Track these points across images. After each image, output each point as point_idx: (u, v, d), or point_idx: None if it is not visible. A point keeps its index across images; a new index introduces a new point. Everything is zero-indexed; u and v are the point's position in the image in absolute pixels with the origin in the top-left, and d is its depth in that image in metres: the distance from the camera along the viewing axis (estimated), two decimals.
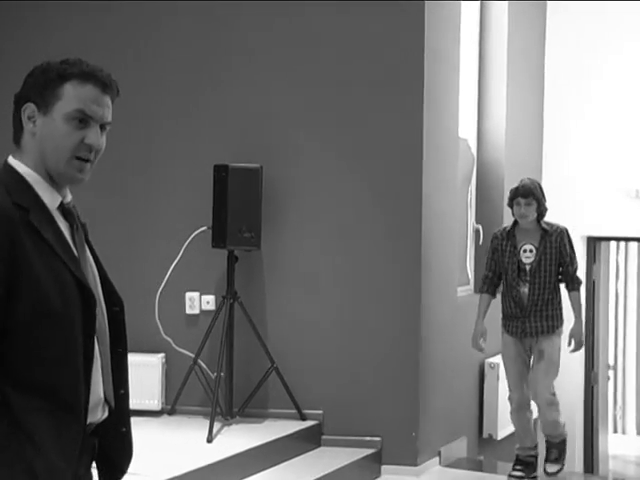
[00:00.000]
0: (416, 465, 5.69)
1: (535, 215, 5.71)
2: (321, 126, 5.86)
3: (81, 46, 6.14)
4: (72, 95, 2.24)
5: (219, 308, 5.66)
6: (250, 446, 5.19)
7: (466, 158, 6.95)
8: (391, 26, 5.77)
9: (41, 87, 2.25)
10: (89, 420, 2.28)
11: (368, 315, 5.80)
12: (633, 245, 10.49)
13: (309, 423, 5.73)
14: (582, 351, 7.85)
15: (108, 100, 2.30)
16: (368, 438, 5.72)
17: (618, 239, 8.26)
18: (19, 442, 2.14)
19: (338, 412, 5.79)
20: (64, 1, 6.12)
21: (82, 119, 2.24)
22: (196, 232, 5.68)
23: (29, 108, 2.26)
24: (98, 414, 2.31)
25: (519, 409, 5.70)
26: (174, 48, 6.04)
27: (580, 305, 5.84)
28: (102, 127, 2.28)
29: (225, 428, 5.50)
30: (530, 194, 5.66)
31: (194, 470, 4.64)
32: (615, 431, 10.24)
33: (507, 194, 7.20)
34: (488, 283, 5.82)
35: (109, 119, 2.30)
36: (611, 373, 9.71)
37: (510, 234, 5.76)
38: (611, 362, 9.88)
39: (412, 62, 5.74)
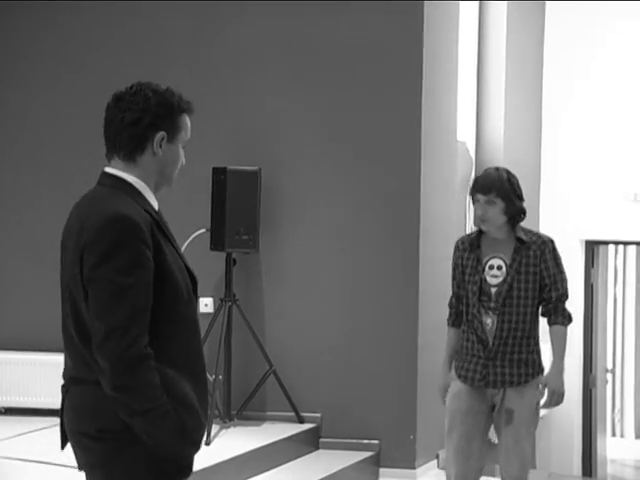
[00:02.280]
0: (414, 468, 5.68)
1: (502, 219, 4.18)
2: (319, 128, 5.86)
3: (79, 46, 6.14)
4: (187, 126, 2.69)
5: (217, 311, 5.66)
6: (248, 449, 5.19)
7: (464, 161, 6.94)
8: (389, 28, 5.77)
9: (170, 118, 2.65)
10: None
11: (366, 318, 5.79)
12: (631, 249, 10.49)
13: (307, 426, 5.73)
14: (580, 355, 7.89)
15: None
16: (366, 441, 5.72)
17: (617, 243, 8.25)
18: (175, 408, 2.54)
19: (336, 415, 5.78)
20: (60, 1, 6.12)
21: (185, 144, 2.72)
22: (194, 234, 5.68)
23: (161, 136, 2.64)
24: None
25: None
26: (172, 50, 6.03)
27: (564, 345, 4.27)
28: None
29: (223, 431, 5.50)
30: (492, 189, 4.16)
31: (192, 473, 4.63)
32: (613, 435, 10.24)
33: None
34: (454, 313, 4.38)
35: None
36: (609, 377, 9.70)
37: (474, 244, 4.27)
38: (609, 366, 9.87)
39: (410, 64, 5.74)
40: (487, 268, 4.23)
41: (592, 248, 8.02)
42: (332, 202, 5.84)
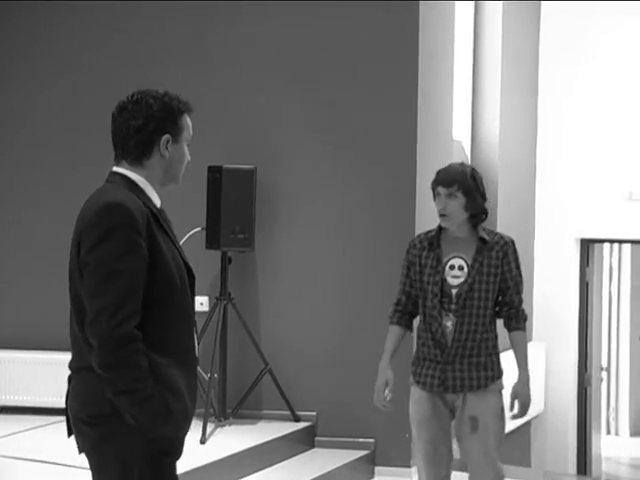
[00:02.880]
0: (409, 466, 5.68)
1: (463, 215, 4.04)
2: (315, 127, 5.86)
3: (76, 46, 6.14)
4: (188, 125, 2.88)
5: (213, 309, 5.66)
6: (243, 447, 5.19)
7: (460, 160, 6.95)
8: (385, 27, 5.77)
9: (173, 121, 2.84)
10: None
11: (361, 317, 5.79)
12: (626, 247, 10.51)
13: (303, 424, 5.73)
14: (576, 353, 7.90)
15: None
16: (362, 440, 5.72)
17: (611, 241, 8.27)
18: (160, 391, 2.66)
19: (332, 413, 5.79)
20: (57, 2, 6.11)
21: (189, 142, 2.90)
22: (190, 233, 5.67)
23: (166, 139, 2.83)
24: None
25: None
26: (169, 50, 6.03)
27: (526, 351, 4.10)
28: None
29: (218, 429, 5.50)
30: (454, 182, 4.02)
31: (187, 471, 4.61)
32: (608, 433, 10.26)
33: (500, 196, 7.23)
34: (400, 311, 4.19)
35: None
36: (604, 375, 9.72)
37: (434, 243, 4.10)
38: (604, 364, 9.88)
39: (406, 63, 5.74)
40: (448, 268, 4.05)
41: (587, 246, 8.03)
42: (328, 201, 5.84)
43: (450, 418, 4.05)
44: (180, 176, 2.91)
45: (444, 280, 4.04)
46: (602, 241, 8.25)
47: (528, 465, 7.60)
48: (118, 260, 2.64)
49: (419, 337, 4.11)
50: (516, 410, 4.07)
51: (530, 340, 7.33)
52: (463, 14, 6.94)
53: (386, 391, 4.09)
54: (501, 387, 4.09)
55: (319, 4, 5.83)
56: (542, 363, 7.57)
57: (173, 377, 2.71)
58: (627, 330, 10.65)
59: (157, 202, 2.86)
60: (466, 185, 4.03)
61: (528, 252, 7.71)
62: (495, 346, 4.10)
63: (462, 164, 4.21)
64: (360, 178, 5.80)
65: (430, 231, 4.17)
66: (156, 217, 2.79)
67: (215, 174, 5.63)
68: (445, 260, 4.07)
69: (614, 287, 10.63)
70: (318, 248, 5.85)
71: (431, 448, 4.02)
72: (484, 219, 4.12)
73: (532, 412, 6.66)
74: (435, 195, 4.10)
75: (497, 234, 4.15)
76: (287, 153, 5.88)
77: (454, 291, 4.04)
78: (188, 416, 2.76)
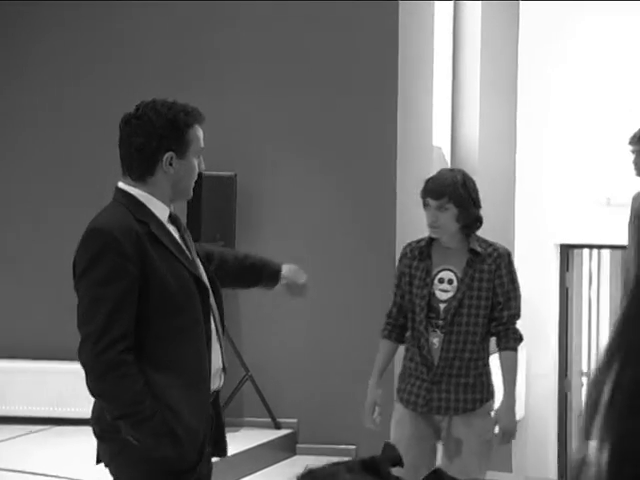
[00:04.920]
0: None
1: (455, 227, 3.80)
2: (295, 134, 5.86)
3: (56, 48, 6.11)
4: (195, 138, 2.84)
5: None
6: None
7: (440, 166, 6.96)
8: (364, 29, 5.77)
9: (177, 137, 2.77)
10: (211, 388, 2.80)
11: (342, 323, 5.79)
12: (605, 253, 10.55)
13: (284, 432, 5.72)
14: (556, 358, 7.92)
15: None
16: (343, 446, 5.71)
17: (591, 247, 8.30)
18: (162, 411, 2.62)
19: (313, 421, 5.78)
20: (36, 1, 6.09)
21: (200, 153, 2.86)
22: None
23: (169, 156, 2.77)
24: (217, 381, 2.84)
25: None
26: (148, 55, 6.01)
27: (515, 373, 3.84)
28: None
29: None
30: (444, 194, 3.76)
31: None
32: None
33: (481, 201, 7.24)
34: (391, 324, 3.97)
35: None
36: (584, 380, 9.74)
37: (424, 253, 3.86)
38: (584, 369, 9.92)
39: (386, 66, 5.75)
40: (437, 281, 3.81)
41: (567, 252, 8.06)
42: (308, 208, 5.84)
43: (434, 439, 3.86)
44: (190, 190, 2.86)
45: (432, 294, 3.80)
46: (582, 247, 8.29)
47: (509, 470, 7.61)
48: (103, 286, 2.64)
49: (407, 350, 3.91)
50: (499, 436, 3.82)
51: None
52: (442, 15, 6.91)
53: (375, 412, 3.90)
54: (490, 409, 3.86)
55: (296, 5, 5.83)
56: (522, 369, 7.58)
57: (173, 397, 2.67)
58: (607, 335, 10.67)
59: (162, 215, 2.80)
60: (457, 196, 3.77)
61: None
62: (486, 365, 3.86)
63: (452, 170, 3.98)
64: (341, 184, 5.80)
65: (421, 240, 3.95)
66: (152, 234, 2.72)
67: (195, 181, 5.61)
68: (434, 272, 3.83)
69: (594, 292, 10.66)
70: (299, 254, 5.84)
71: (412, 471, 3.62)
72: (478, 227, 3.88)
73: None
74: (425, 205, 3.86)
75: (491, 245, 3.88)
76: (267, 160, 5.87)
77: (442, 306, 3.80)
78: (192, 435, 2.69)
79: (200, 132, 2.85)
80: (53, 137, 6.11)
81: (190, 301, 2.74)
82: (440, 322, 3.80)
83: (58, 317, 5.91)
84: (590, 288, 10.54)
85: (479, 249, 3.83)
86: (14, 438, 5.44)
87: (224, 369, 2.88)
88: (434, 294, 3.82)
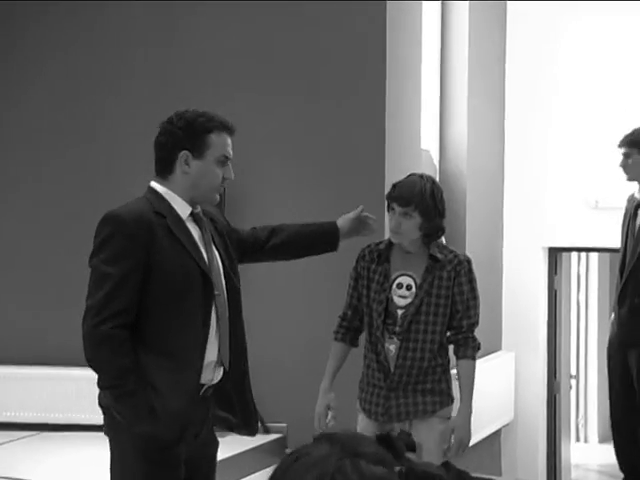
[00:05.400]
0: None
1: (417, 234, 3.74)
2: (282, 136, 5.84)
3: (44, 51, 6.09)
4: (217, 143, 3.01)
5: None
6: None
7: (428, 169, 6.96)
8: (352, 30, 5.75)
9: (193, 138, 2.96)
10: (204, 379, 2.99)
11: (331, 327, 5.76)
12: (594, 256, 10.57)
13: (273, 436, 5.70)
14: (545, 361, 7.92)
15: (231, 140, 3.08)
16: None
17: (579, 250, 8.31)
18: (144, 388, 2.82)
19: (302, 425, 5.74)
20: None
21: (224, 161, 3.02)
22: None
23: (185, 155, 2.97)
24: (210, 374, 3.02)
25: None
26: (133, 59, 5.99)
27: (472, 383, 3.76)
28: None
29: None
30: (411, 202, 3.70)
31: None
32: (577, 440, 10.30)
33: (469, 205, 7.24)
34: (346, 327, 3.95)
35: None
36: (573, 382, 9.75)
37: (382, 256, 3.81)
38: (573, 372, 9.93)
39: (374, 68, 5.73)
40: (395, 286, 3.74)
41: (555, 255, 8.06)
42: (296, 211, 5.82)
43: None
44: (213, 195, 3.02)
45: (390, 299, 3.73)
46: (570, 250, 8.29)
47: (499, 473, 7.61)
48: (109, 265, 2.87)
49: (365, 357, 3.88)
50: (453, 446, 3.72)
51: (499, 349, 7.34)
52: (430, 16, 6.89)
53: (329, 416, 3.85)
54: (449, 414, 3.82)
55: (280, 5, 5.80)
56: (511, 372, 7.58)
57: (158, 378, 2.85)
58: (595, 338, 10.71)
59: (182, 211, 2.99)
60: (424, 206, 3.69)
61: (497, 261, 7.72)
62: (446, 372, 3.82)
63: (422, 177, 3.82)
64: (328, 188, 5.78)
65: (380, 242, 3.89)
66: (167, 226, 2.93)
67: None
68: (393, 277, 3.76)
69: (582, 295, 10.68)
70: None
71: None
72: (439, 236, 3.81)
73: (502, 421, 6.66)
74: (389, 208, 3.78)
75: (452, 252, 3.81)
76: (253, 164, 5.85)
77: (400, 312, 3.73)
78: (171, 415, 2.87)
79: (224, 140, 3.01)
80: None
81: (191, 293, 2.93)
82: (397, 329, 3.75)
83: (42, 323, 5.87)
84: (579, 291, 10.57)
85: (439, 255, 3.77)
86: (0, 445, 5.41)
87: (225, 365, 3.10)
88: (392, 300, 3.76)
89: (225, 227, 3.28)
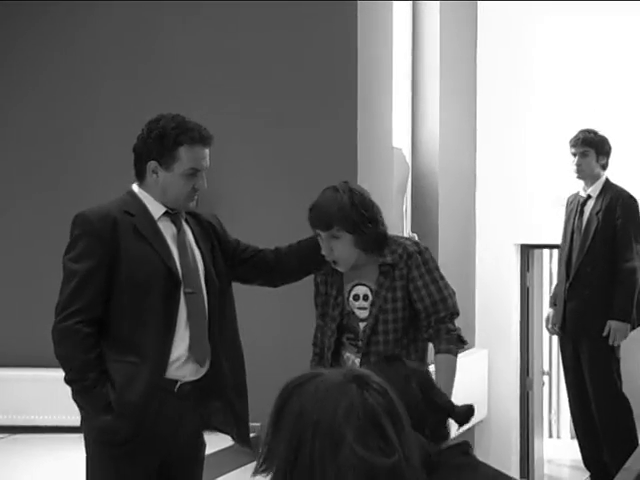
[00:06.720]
0: None
1: (355, 252, 3.31)
2: (253, 137, 5.82)
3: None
4: (186, 157, 3.06)
5: None
6: None
7: (401, 167, 6.97)
8: (322, 30, 5.75)
9: (162, 150, 3.03)
10: (174, 375, 3.04)
11: (304, 326, 5.75)
12: None
13: None
14: (517, 358, 7.95)
15: (208, 150, 3.15)
16: None
17: (551, 247, 8.36)
18: (104, 384, 2.89)
19: None
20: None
21: (192, 173, 3.07)
22: None
23: (153, 165, 3.07)
24: (180, 371, 3.05)
25: None
26: (106, 63, 5.96)
27: (452, 380, 3.31)
28: None
29: None
30: (332, 223, 3.30)
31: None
32: (550, 436, 10.35)
33: (441, 202, 7.26)
34: (318, 354, 3.64)
35: (208, 164, 3.15)
36: (546, 379, 9.81)
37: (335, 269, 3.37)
38: (546, 368, 9.99)
39: (345, 70, 5.72)
40: (352, 298, 3.36)
41: (527, 252, 8.10)
42: (268, 211, 5.81)
43: None
44: (181, 203, 3.08)
45: (351, 313, 3.35)
46: (542, 247, 8.34)
47: None
48: (75, 263, 2.99)
49: None
50: None
51: (472, 346, 7.36)
52: (400, 15, 6.91)
53: None
54: None
55: (249, 5, 5.78)
56: (485, 369, 7.61)
57: (119, 372, 2.93)
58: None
59: (155, 211, 3.08)
60: (348, 222, 3.27)
61: (469, 258, 7.75)
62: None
63: (337, 191, 3.39)
64: (300, 187, 5.77)
65: None
66: (134, 225, 3.02)
67: None
68: (348, 289, 3.37)
69: None
70: None
71: None
72: (382, 244, 3.36)
73: (476, 417, 6.67)
74: (316, 235, 3.38)
75: (400, 244, 3.37)
76: (223, 165, 5.83)
77: (362, 325, 3.33)
78: (128, 409, 2.93)
79: (194, 153, 3.05)
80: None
81: (154, 288, 3.00)
82: (359, 343, 3.36)
83: (14, 325, 5.83)
84: (551, 287, 10.63)
85: (389, 259, 3.35)
86: None
87: (200, 363, 3.11)
88: (353, 313, 3.37)
89: (220, 234, 3.38)
